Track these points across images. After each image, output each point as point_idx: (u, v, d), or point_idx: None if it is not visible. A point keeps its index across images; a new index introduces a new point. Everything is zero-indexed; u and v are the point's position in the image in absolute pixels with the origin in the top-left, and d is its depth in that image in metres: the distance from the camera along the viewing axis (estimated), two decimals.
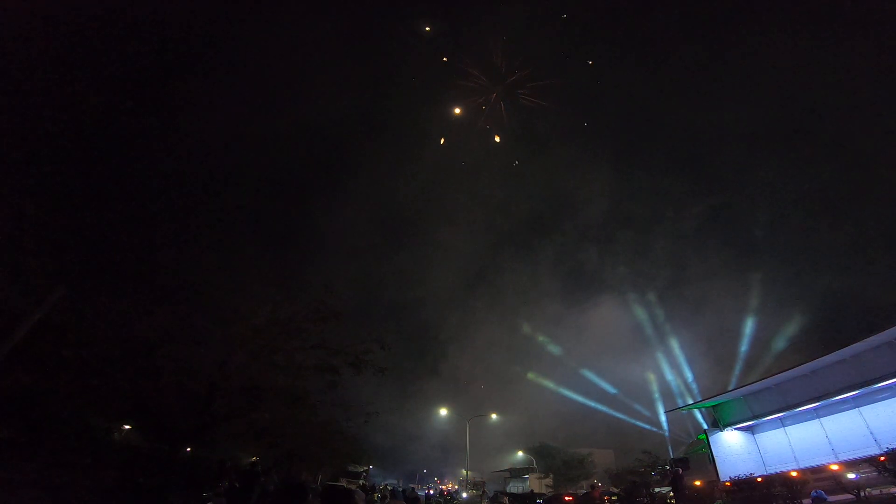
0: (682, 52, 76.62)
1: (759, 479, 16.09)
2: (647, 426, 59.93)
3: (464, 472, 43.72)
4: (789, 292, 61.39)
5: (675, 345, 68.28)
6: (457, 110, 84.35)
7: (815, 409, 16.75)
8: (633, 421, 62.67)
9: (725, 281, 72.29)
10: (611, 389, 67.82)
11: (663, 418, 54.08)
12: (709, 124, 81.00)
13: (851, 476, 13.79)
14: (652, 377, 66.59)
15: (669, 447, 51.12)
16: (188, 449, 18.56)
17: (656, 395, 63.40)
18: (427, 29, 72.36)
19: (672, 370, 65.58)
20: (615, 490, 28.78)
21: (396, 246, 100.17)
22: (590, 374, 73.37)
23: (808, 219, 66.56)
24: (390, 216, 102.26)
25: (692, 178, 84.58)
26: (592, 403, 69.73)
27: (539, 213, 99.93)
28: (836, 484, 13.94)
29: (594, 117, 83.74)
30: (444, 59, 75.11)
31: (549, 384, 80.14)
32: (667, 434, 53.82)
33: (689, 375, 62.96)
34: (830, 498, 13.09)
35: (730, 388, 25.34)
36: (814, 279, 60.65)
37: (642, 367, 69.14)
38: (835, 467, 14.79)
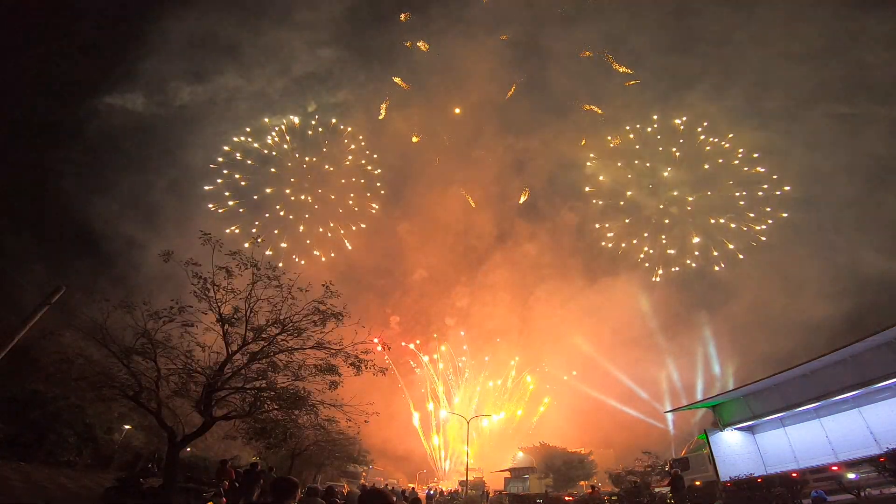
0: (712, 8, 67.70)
1: (759, 479, 16.10)
2: (659, 424, 58.62)
3: (463, 470, 43.80)
4: (830, 275, 55.23)
5: (696, 334, 64.26)
6: (457, 110, 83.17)
7: (815, 409, 16.75)
8: (647, 419, 61.03)
9: (757, 262, 65.70)
10: (631, 385, 64.43)
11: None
12: (745, 80, 69.77)
13: (851, 476, 13.80)
14: (670, 371, 63.25)
15: (672, 446, 50.74)
16: (188, 449, 18.59)
17: (689, 388, 59.76)
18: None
19: (694, 363, 61.94)
20: (615, 490, 28.80)
21: (388, 216, 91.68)
22: (599, 367, 70.87)
23: (855, 190, 57.67)
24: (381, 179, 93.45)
25: (726, 137, 74.71)
26: (602, 397, 67.65)
27: (556, 180, 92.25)
28: (836, 484, 13.95)
29: (618, 77, 77.86)
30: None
31: (557, 376, 78.54)
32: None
33: (716, 368, 59.78)
34: (830, 498, 13.07)
35: (730, 388, 25.33)
36: (861, 261, 53.96)
37: (659, 359, 65.55)
38: (835, 467, 14.80)
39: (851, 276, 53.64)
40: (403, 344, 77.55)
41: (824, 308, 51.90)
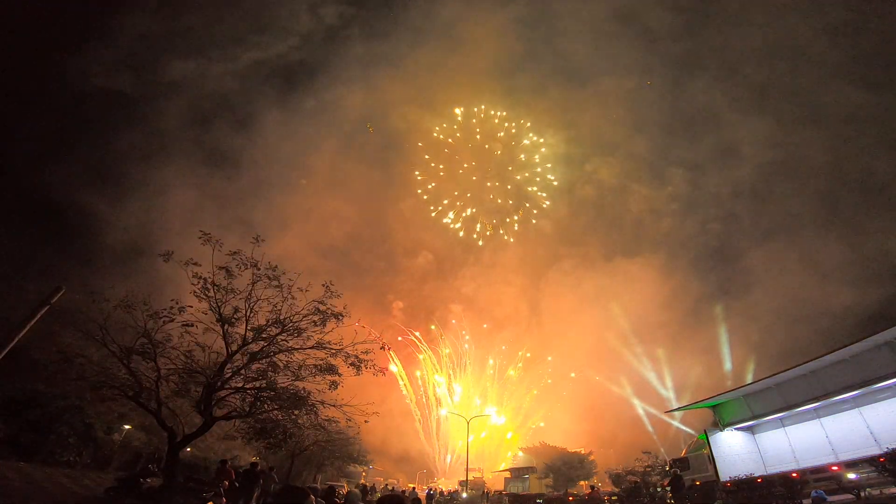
0: None
1: (759, 479, 16.09)
2: (675, 423, 57.37)
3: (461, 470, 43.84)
4: (867, 259, 52.09)
5: (716, 322, 62.06)
6: (457, 110, 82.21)
7: (815, 409, 16.74)
8: (653, 411, 59.70)
9: (788, 243, 62.03)
10: (653, 380, 62.66)
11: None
12: (778, 45, 64.75)
13: (851, 476, 13.79)
14: (687, 363, 61.04)
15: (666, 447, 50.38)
16: (188, 449, 18.58)
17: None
18: None
19: (714, 355, 59.62)
20: (615, 490, 28.79)
21: (380, 183, 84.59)
22: (604, 363, 68.78)
23: (888, 169, 52.98)
24: (373, 138, 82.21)
25: (756, 112, 67.97)
26: (611, 385, 66.01)
27: (575, 147, 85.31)
28: (836, 484, 13.94)
29: (641, 44, 73.75)
30: None
31: (561, 374, 76.95)
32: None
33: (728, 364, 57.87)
34: (830, 498, 13.08)
35: (730, 388, 25.29)
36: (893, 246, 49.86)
37: (674, 350, 63.43)
38: (835, 467, 14.79)
39: (883, 261, 50.62)
40: (400, 339, 76.61)
41: (852, 296, 49.19)
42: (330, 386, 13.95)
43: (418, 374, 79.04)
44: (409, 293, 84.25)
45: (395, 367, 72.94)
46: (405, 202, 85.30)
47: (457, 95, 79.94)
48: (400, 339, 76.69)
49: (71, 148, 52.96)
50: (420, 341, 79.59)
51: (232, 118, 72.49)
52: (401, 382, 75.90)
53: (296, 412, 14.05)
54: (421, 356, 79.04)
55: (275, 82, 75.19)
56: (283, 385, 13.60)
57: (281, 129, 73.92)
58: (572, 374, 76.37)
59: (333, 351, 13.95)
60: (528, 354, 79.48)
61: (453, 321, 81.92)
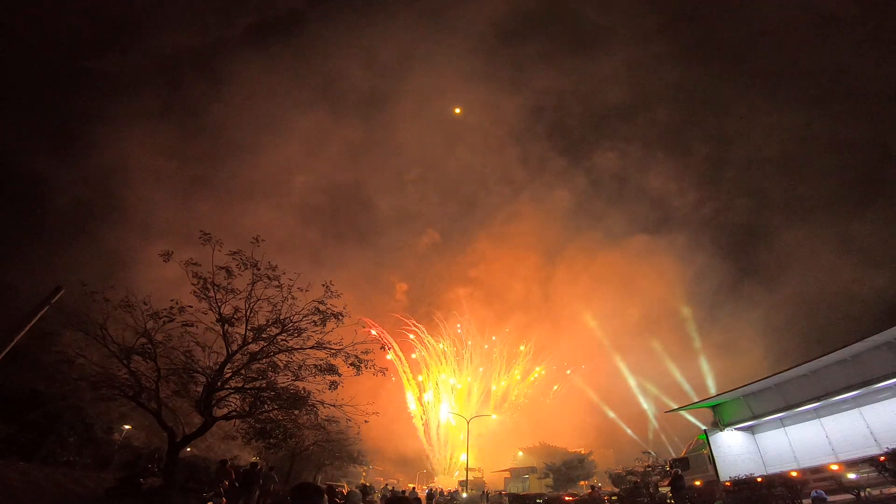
0: None
1: (759, 479, 16.09)
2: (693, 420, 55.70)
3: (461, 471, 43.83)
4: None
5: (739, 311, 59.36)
6: (457, 110, 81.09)
7: (815, 409, 16.74)
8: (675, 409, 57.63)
9: (822, 224, 59.27)
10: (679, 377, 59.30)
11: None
12: (810, 11, 61.47)
13: (851, 476, 13.79)
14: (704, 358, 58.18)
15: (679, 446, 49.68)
16: (188, 449, 18.58)
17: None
18: None
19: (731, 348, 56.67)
20: (615, 490, 28.79)
21: (373, 148, 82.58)
22: (610, 359, 67.17)
23: None
24: (364, 93, 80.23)
25: (786, 83, 66.19)
26: (626, 372, 64.02)
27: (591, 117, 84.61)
28: (836, 484, 13.94)
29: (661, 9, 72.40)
30: None
31: (564, 371, 75.63)
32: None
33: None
34: (830, 498, 13.08)
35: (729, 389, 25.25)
36: None
37: (685, 344, 60.87)
38: (835, 467, 14.80)
39: None
40: (411, 335, 75.43)
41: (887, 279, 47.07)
42: (330, 386, 13.96)
43: (419, 374, 78.70)
44: (409, 273, 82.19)
45: (394, 360, 72.18)
46: (409, 173, 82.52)
47: (456, 58, 76.79)
48: (408, 321, 75.27)
49: (21, 106, 49.29)
50: (422, 332, 78.64)
51: (206, 72, 68.51)
52: (400, 370, 75.09)
53: (296, 412, 14.06)
54: (414, 355, 78.51)
55: (253, 33, 71.00)
56: (283, 385, 13.61)
57: (258, 83, 70.46)
58: (568, 372, 75.87)
59: (333, 351, 13.96)
60: (567, 370, 76.64)
61: (454, 313, 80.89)
